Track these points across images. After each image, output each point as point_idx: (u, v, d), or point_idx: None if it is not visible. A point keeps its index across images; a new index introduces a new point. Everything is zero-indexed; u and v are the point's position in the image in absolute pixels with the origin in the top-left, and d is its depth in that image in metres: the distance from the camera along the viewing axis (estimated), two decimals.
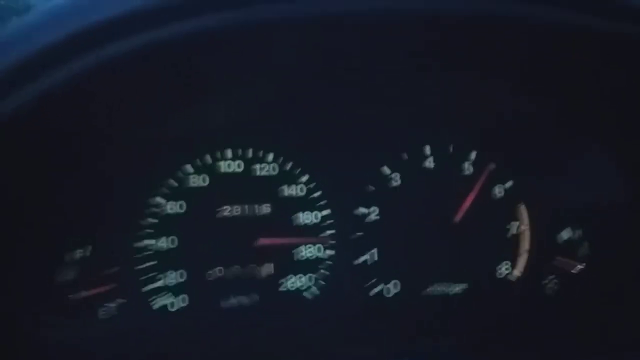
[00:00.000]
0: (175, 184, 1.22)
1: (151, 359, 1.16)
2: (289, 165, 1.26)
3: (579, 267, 1.29)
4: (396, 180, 1.30)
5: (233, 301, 1.24)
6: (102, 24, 0.71)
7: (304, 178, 1.27)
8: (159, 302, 1.22)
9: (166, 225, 1.21)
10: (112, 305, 1.19)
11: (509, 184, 1.31)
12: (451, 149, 1.30)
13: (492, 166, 1.30)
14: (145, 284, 1.21)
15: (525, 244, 1.31)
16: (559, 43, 0.87)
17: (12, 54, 0.71)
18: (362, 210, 1.28)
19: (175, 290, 1.22)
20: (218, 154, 1.23)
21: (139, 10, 0.71)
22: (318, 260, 1.28)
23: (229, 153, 1.24)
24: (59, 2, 0.75)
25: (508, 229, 1.31)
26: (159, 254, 1.21)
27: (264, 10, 0.74)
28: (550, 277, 1.29)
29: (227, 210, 1.23)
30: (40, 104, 0.74)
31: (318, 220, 1.27)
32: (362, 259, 1.28)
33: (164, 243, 1.21)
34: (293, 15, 0.76)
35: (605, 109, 1.10)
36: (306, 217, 1.27)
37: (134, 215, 1.20)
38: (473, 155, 1.31)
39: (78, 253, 1.17)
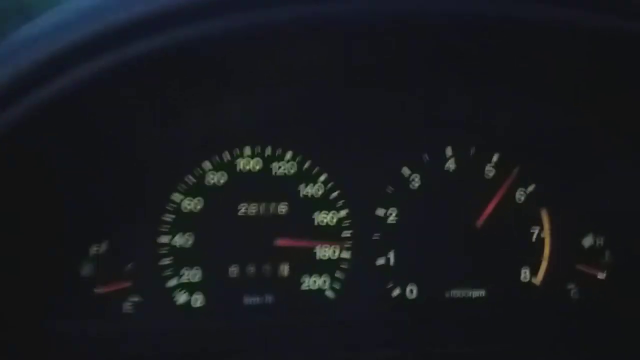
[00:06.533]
0: (194, 181, 1.22)
1: (174, 354, 1.17)
2: (307, 164, 1.25)
3: (602, 273, 1.26)
4: (416, 181, 1.27)
5: (255, 298, 1.24)
6: (128, 22, 0.72)
7: (323, 177, 1.26)
8: (181, 298, 1.22)
9: (185, 221, 1.22)
10: (136, 300, 1.20)
11: (531, 188, 1.28)
12: (473, 151, 1.28)
13: (514, 170, 1.27)
14: (168, 280, 1.22)
15: (547, 250, 1.28)
16: (585, 49, 0.86)
17: (47, 46, 0.72)
18: (381, 211, 1.27)
19: (197, 286, 1.23)
20: (237, 152, 1.23)
21: (163, 10, 0.71)
22: (338, 260, 1.26)
23: (247, 150, 1.23)
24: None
25: (530, 234, 1.28)
26: (179, 250, 1.22)
27: (285, 12, 0.74)
28: (573, 283, 1.27)
29: (245, 208, 1.23)
30: (61, 101, 0.74)
31: (336, 220, 1.26)
32: (382, 260, 1.26)
33: (183, 239, 1.22)
34: (313, 16, 0.75)
35: (632, 116, 1.08)
36: (324, 217, 1.26)
37: (155, 212, 1.21)
38: (495, 158, 1.28)
39: (101, 248, 1.19)
